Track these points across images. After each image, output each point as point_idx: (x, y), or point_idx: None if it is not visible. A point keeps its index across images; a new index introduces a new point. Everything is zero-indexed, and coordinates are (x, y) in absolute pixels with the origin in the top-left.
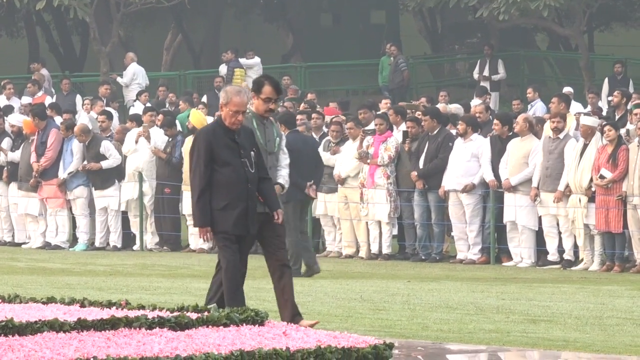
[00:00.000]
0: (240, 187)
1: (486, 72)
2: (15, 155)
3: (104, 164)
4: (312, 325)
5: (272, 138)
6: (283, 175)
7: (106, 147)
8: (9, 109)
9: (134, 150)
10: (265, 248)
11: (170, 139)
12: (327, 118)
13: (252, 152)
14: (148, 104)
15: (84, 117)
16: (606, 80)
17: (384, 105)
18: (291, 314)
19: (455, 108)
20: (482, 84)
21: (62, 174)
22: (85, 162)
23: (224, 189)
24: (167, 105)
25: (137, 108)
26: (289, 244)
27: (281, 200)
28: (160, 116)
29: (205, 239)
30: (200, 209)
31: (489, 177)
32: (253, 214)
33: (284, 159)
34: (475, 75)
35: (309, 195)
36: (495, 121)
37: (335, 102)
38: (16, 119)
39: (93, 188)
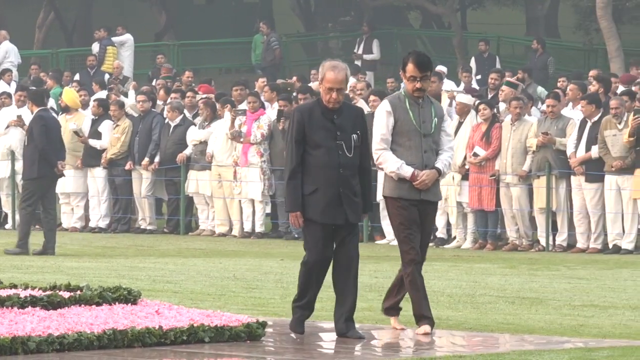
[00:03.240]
0: (331, 172)
1: (361, 51)
2: None
3: None
4: (398, 329)
5: (428, 119)
6: (442, 159)
7: None
8: None
9: (5, 132)
10: None
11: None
12: (198, 97)
13: (354, 135)
14: (13, 83)
15: None
16: (473, 58)
17: (261, 83)
18: (390, 305)
19: None
20: (355, 62)
21: None
22: None
23: (314, 172)
24: (29, 83)
25: (1, 87)
26: (22, 218)
27: (31, 176)
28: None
29: (296, 225)
30: (289, 192)
31: None
32: (348, 201)
33: (447, 142)
34: None
35: (57, 172)
36: (373, 97)
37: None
38: None
39: None
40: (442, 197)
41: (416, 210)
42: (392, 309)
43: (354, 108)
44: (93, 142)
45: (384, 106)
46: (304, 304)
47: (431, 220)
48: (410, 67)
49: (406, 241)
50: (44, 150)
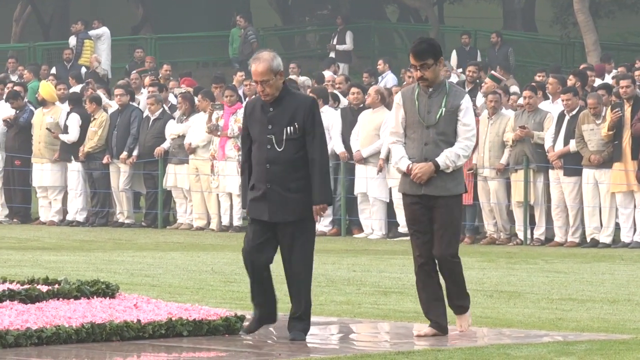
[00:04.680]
0: (259, 167)
1: (335, 42)
2: None
3: None
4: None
5: (435, 109)
6: (446, 152)
7: None
8: None
9: None
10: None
11: (18, 111)
12: (177, 90)
13: (288, 128)
14: None
15: None
16: (454, 52)
17: (239, 77)
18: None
19: (304, 80)
20: (331, 55)
21: None
22: None
23: (253, 168)
24: (12, 77)
25: None
26: None
27: None
28: (8, 87)
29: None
30: (241, 189)
31: (340, 149)
32: (275, 197)
33: (463, 132)
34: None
35: None
36: (354, 89)
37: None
38: None
39: None
40: (458, 191)
41: (420, 207)
42: (435, 315)
43: (299, 98)
44: (62, 137)
45: (396, 98)
46: (253, 301)
47: (443, 213)
48: (410, 56)
49: (411, 241)
50: None
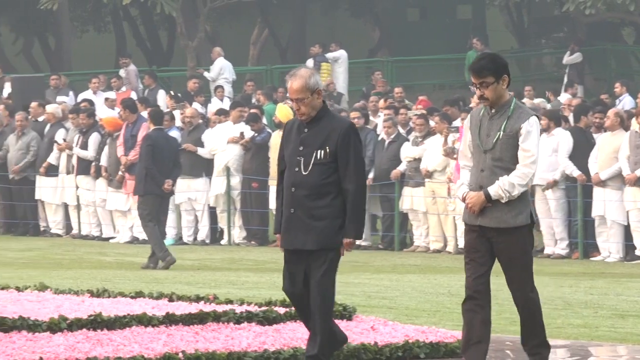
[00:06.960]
0: (286, 191)
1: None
2: (85, 152)
3: (200, 151)
4: None
5: (493, 133)
6: (500, 181)
7: (207, 135)
8: (91, 104)
9: (224, 149)
10: None
11: (257, 134)
12: (410, 113)
13: (319, 151)
14: (226, 98)
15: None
16: None
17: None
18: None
19: (540, 102)
20: (565, 80)
21: None
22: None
23: (283, 191)
24: (253, 100)
25: (214, 104)
26: (149, 235)
27: (139, 193)
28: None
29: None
30: (275, 213)
31: (571, 171)
32: (300, 224)
33: (523, 159)
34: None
35: (166, 190)
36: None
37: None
38: (106, 113)
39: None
40: (518, 222)
41: (478, 236)
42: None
43: (337, 121)
44: None
45: (466, 121)
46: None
47: (503, 249)
48: (470, 73)
49: (465, 270)
50: (147, 169)
